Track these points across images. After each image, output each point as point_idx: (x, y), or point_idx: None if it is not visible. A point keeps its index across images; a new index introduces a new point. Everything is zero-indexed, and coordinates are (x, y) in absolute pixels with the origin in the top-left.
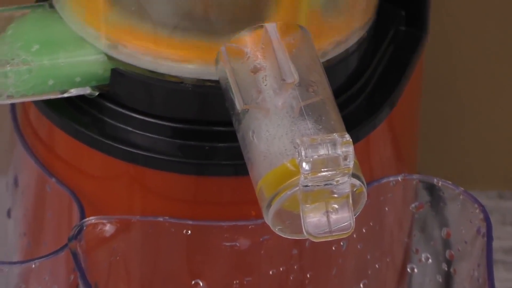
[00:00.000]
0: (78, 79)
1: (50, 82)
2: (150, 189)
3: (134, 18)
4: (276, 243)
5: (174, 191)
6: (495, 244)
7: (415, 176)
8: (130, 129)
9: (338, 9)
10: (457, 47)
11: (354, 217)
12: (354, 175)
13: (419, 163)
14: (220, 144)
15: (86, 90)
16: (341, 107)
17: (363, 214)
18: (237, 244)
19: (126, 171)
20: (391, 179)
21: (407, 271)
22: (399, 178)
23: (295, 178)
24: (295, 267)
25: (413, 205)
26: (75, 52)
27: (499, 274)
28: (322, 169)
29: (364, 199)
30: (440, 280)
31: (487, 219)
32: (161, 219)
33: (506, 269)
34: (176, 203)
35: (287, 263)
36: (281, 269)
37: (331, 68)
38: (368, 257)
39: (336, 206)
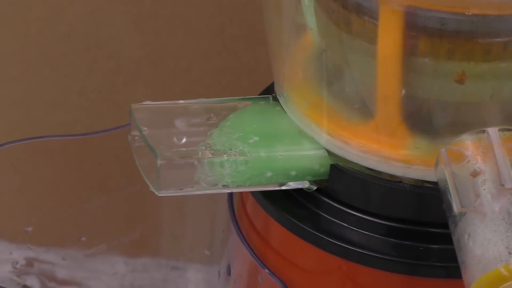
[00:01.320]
0: (293, 172)
1: (268, 174)
2: (361, 286)
3: (357, 116)
4: None
5: None
6: None
7: None
8: (345, 225)
9: None
10: None
11: None
12: None
13: None
14: (434, 246)
15: (305, 184)
16: None
17: None
18: None
19: (338, 267)
20: None
21: None
22: None
23: (508, 284)
24: None
25: None
26: (294, 146)
27: None
28: None
29: None
30: None
31: None
32: None
33: None
34: None
35: None
36: None
37: None
38: None
39: None
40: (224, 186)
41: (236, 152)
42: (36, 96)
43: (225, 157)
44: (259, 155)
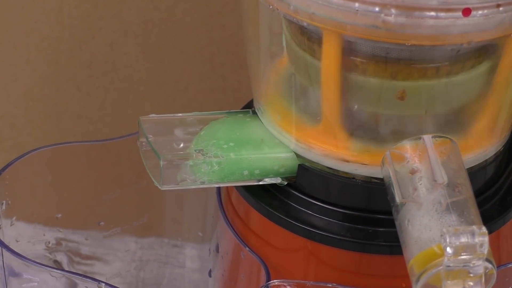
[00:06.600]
0: (257, 171)
1: (245, 172)
2: (322, 260)
3: (319, 126)
4: None
5: (342, 264)
6: None
7: None
8: (310, 212)
9: (481, 131)
10: None
11: None
12: (487, 260)
13: None
14: (380, 229)
15: (277, 180)
16: (479, 205)
17: None
18: None
19: (304, 246)
20: None
21: None
22: None
23: (439, 259)
24: None
25: None
26: (258, 150)
27: None
28: (462, 253)
29: (494, 279)
30: None
31: None
32: (330, 285)
33: None
34: (343, 273)
35: None
36: None
37: (472, 174)
38: None
39: (471, 283)
40: (202, 182)
41: (211, 155)
42: (65, 110)
43: (203, 159)
44: (230, 157)
